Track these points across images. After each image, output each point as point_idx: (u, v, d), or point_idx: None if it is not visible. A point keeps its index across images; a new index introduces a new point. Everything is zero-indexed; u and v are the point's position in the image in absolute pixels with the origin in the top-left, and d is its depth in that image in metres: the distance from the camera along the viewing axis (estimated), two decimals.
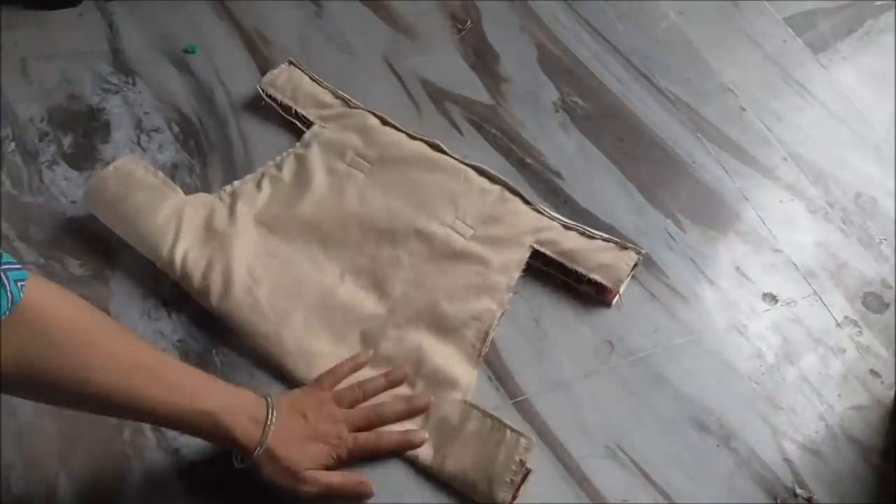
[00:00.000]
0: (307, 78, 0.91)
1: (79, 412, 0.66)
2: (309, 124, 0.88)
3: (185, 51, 0.94)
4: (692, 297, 0.82)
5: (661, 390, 0.75)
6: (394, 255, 0.78)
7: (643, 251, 0.81)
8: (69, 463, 0.65)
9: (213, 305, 0.74)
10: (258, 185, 0.82)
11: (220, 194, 0.81)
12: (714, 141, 0.96)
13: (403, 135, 0.87)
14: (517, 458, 0.67)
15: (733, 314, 0.81)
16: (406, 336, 0.74)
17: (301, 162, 0.84)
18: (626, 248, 0.81)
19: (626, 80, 1.00)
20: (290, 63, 0.92)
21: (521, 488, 0.66)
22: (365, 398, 0.69)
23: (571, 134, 0.94)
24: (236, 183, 0.83)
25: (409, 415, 0.69)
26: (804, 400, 0.76)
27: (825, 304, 0.83)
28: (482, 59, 1.00)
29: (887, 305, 0.84)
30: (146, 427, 0.67)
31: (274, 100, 0.89)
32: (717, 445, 0.73)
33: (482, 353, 0.74)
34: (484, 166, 0.85)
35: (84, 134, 0.86)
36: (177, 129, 0.87)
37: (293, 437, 0.63)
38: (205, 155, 0.86)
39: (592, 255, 0.79)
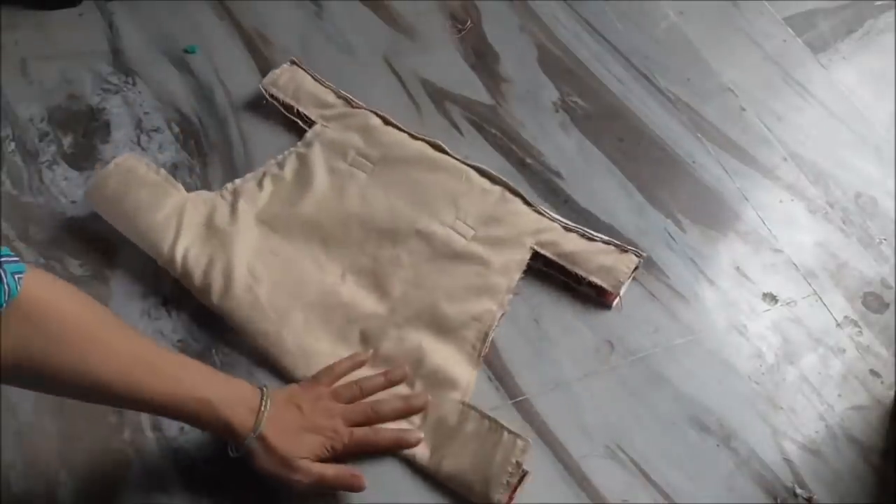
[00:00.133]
0: (309, 77, 0.91)
1: (79, 409, 0.67)
2: (311, 123, 0.88)
3: (185, 51, 0.94)
4: (692, 297, 0.82)
5: (661, 390, 0.75)
6: (394, 254, 0.78)
7: (644, 254, 0.81)
8: (69, 462, 0.65)
9: (213, 303, 0.74)
10: (260, 184, 0.82)
11: (221, 192, 0.81)
12: (714, 141, 0.96)
13: (405, 135, 0.87)
14: (514, 460, 0.67)
15: (733, 314, 0.81)
16: (406, 336, 0.74)
17: (303, 161, 0.84)
18: (626, 250, 0.81)
19: (626, 80, 1.00)
20: (293, 63, 0.92)
21: (518, 490, 0.66)
22: (363, 395, 0.69)
23: (571, 134, 0.94)
24: (238, 181, 0.83)
25: (406, 413, 0.69)
26: (804, 400, 0.76)
27: (825, 304, 0.83)
28: (482, 59, 1.00)
29: (887, 305, 0.84)
30: (146, 427, 0.67)
31: (276, 99, 0.89)
32: (717, 445, 0.73)
33: (482, 354, 0.74)
34: (485, 167, 0.85)
35: (84, 134, 0.86)
36: (177, 129, 0.87)
37: (287, 427, 0.63)
38: (205, 155, 0.86)
39: (593, 257, 0.79)
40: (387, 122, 0.88)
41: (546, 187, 0.88)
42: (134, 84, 0.90)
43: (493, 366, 0.75)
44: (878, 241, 0.90)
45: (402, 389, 0.71)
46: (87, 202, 0.79)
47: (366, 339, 0.74)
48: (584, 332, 0.78)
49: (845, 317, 0.83)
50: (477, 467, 0.67)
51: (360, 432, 0.67)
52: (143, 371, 0.57)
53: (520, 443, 0.67)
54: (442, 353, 0.73)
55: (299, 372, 0.71)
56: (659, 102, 0.99)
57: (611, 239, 0.81)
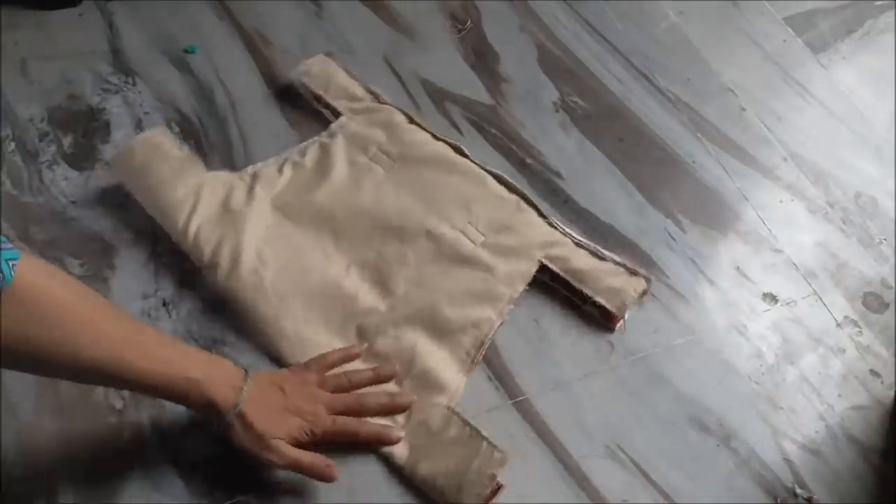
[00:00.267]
0: (342, 71, 0.92)
1: (79, 409, 0.67)
2: (337, 115, 0.89)
3: (185, 51, 0.94)
4: (692, 297, 0.82)
5: (661, 390, 0.75)
6: (401, 252, 0.78)
7: (652, 279, 0.79)
8: (69, 463, 0.65)
9: (219, 282, 0.75)
10: (280, 170, 0.83)
11: (241, 174, 0.82)
12: (714, 141, 0.96)
13: (428, 135, 0.87)
14: (489, 472, 0.66)
15: (733, 314, 0.81)
16: (402, 335, 0.74)
17: (325, 151, 0.85)
18: (635, 273, 0.79)
19: (626, 80, 1.00)
20: (328, 55, 0.93)
21: (491, 502, 0.65)
22: (350, 387, 0.69)
23: (571, 134, 0.94)
24: (259, 164, 0.84)
25: (391, 410, 0.69)
26: (804, 400, 0.76)
27: (825, 304, 0.84)
28: (482, 59, 1.00)
29: (887, 305, 0.84)
30: (146, 427, 0.67)
31: (307, 88, 0.90)
32: (717, 445, 0.73)
33: (475, 361, 0.73)
34: (504, 175, 0.85)
35: (84, 134, 0.86)
36: (177, 129, 0.87)
37: (268, 407, 0.64)
38: (205, 155, 0.86)
39: (601, 277, 0.78)
40: (411, 121, 0.88)
41: (546, 187, 0.88)
42: (134, 84, 0.90)
43: (493, 366, 0.75)
44: (878, 241, 0.90)
45: (389, 387, 0.71)
46: (114, 169, 0.81)
47: (362, 333, 0.74)
48: (584, 331, 0.78)
49: (845, 317, 0.83)
50: (451, 473, 0.66)
51: (342, 421, 0.67)
52: (133, 353, 0.58)
53: (497, 455, 0.67)
54: (435, 356, 0.73)
55: (293, 358, 0.72)
56: (659, 102, 0.99)
57: (622, 260, 0.80)
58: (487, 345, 0.74)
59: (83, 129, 0.86)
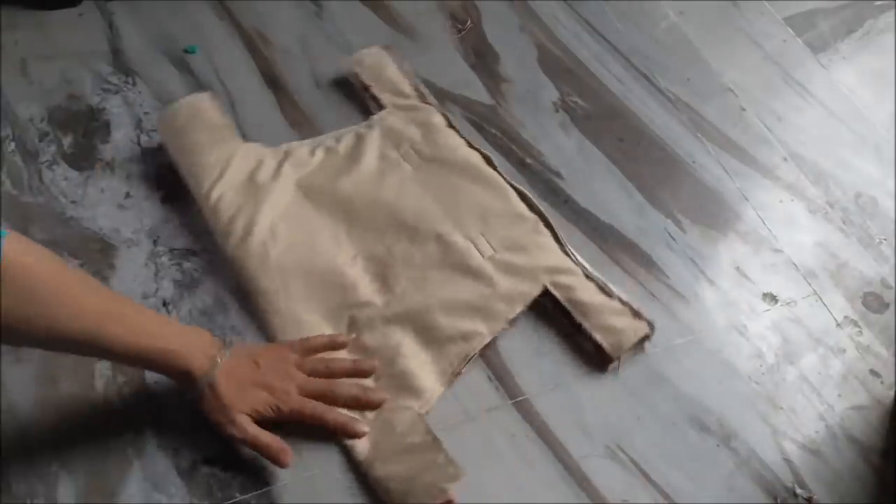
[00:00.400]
0: (394, 65, 0.93)
1: (80, 409, 0.67)
2: (381, 108, 0.90)
3: (185, 51, 0.94)
4: (692, 297, 0.82)
5: (661, 390, 0.75)
6: (410, 252, 0.78)
7: (655, 326, 0.76)
8: (69, 462, 0.65)
9: (229, 250, 0.77)
10: (312, 152, 0.85)
11: (275, 150, 0.84)
12: (714, 141, 0.96)
13: (463, 141, 0.88)
14: (440, 485, 0.65)
15: (733, 314, 0.81)
16: (391, 333, 0.73)
17: (359, 140, 0.86)
18: (639, 317, 0.76)
19: (626, 80, 1.00)
20: (385, 48, 0.95)
21: None
22: (327, 373, 0.69)
23: (571, 134, 0.94)
24: (294, 143, 0.86)
25: (361, 404, 0.69)
26: (804, 400, 0.76)
27: (825, 304, 0.84)
28: (482, 59, 1.00)
29: (887, 305, 0.84)
30: (146, 427, 0.67)
31: (357, 77, 0.92)
32: (717, 445, 0.73)
33: (456, 373, 0.73)
34: (528, 193, 0.84)
35: (84, 134, 0.86)
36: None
37: (239, 379, 0.65)
38: None
39: (604, 314, 0.76)
40: (449, 125, 0.89)
41: (546, 187, 0.88)
42: (134, 84, 0.90)
43: (493, 366, 0.75)
44: (878, 241, 0.90)
45: (366, 382, 0.71)
46: (159, 128, 0.84)
47: (353, 324, 0.74)
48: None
49: (845, 317, 0.83)
50: (403, 479, 0.65)
51: (311, 404, 0.67)
52: (112, 324, 0.59)
53: (452, 470, 0.65)
54: (418, 359, 0.72)
55: (282, 335, 0.73)
56: (659, 102, 0.99)
57: (628, 301, 0.77)
58: (472, 359, 0.73)
59: (83, 129, 0.86)
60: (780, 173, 0.94)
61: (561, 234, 0.81)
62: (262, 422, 0.65)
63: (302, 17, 1.01)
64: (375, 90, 0.91)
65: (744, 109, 1.00)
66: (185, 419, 0.68)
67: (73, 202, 0.80)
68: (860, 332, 0.82)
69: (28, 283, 0.54)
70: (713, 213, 0.89)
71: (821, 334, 0.81)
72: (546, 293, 0.77)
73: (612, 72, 1.01)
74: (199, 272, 0.77)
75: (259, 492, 0.65)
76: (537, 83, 0.98)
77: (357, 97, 0.93)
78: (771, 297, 0.83)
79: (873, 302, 0.85)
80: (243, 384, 0.65)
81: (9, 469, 0.64)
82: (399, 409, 0.69)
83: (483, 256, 0.78)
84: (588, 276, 0.79)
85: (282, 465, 0.64)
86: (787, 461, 0.73)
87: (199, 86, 0.91)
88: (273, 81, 0.93)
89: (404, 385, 0.71)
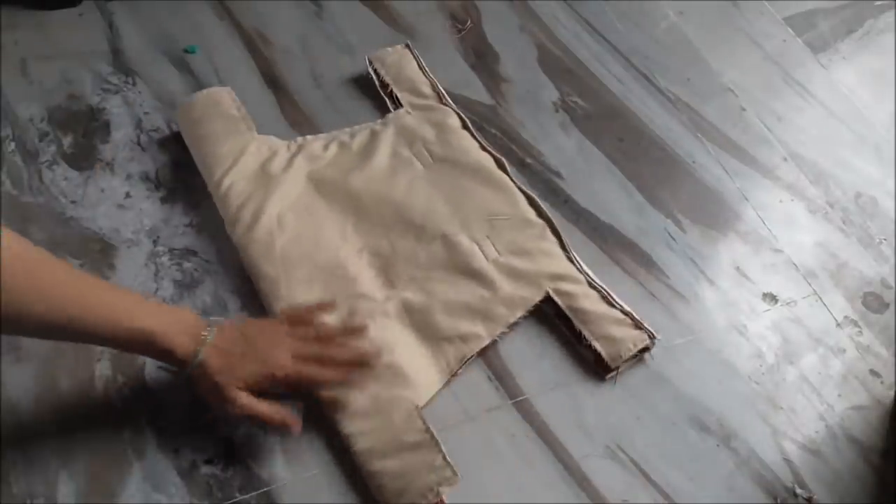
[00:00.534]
0: (415, 64, 0.94)
1: (80, 410, 0.67)
2: (399, 107, 0.91)
3: (185, 51, 0.94)
4: (692, 297, 0.82)
5: (661, 390, 0.75)
6: (414, 250, 0.78)
7: (658, 336, 0.76)
8: (69, 462, 0.65)
9: (236, 237, 0.78)
10: (325, 146, 0.86)
11: (288, 143, 0.85)
12: (714, 141, 0.96)
13: (476, 144, 0.88)
14: (435, 488, 0.64)
15: (733, 314, 0.81)
16: (390, 326, 0.73)
17: (373, 137, 0.87)
18: (640, 327, 0.76)
19: (626, 80, 1.00)
20: (406, 46, 0.95)
21: None
22: (316, 336, 0.68)
23: (571, 134, 0.94)
24: (309, 137, 0.87)
25: (355, 358, 0.68)
26: (804, 400, 0.76)
27: (825, 304, 0.84)
28: (482, 59, 1.00)
29: (887, 305, 0.84)
30: (146, 427, 0.67)
31: (377, 74, 0.92)
32: (717, 445, 0.73)
33: (454, 374, 0.72)
34: (537, 199, 0.84)
35: (84, 134, 0.86)
36: (177, 129, 0.87)
37: (228, 354, 0.63)
38: None
39: (604, 323, 0.76)
40: (464, 126, 0.89)
41: (546, 187, 0.88)
42: (134, 84, 0.90)
43: (493, 366, 0.75)
44: (878, 241, 0.90)
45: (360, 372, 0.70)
46: (178, 119, 0.85)
47: (352, 315, 0.74)
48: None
49: (845, 317, 0.83)
50: (398, 477, 0.65)
51: (305, 367, 0.66)
52: (88, 305, 0.59)
53: (449, 473, 0.65)
54: (416, 352, 0.72)
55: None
56: (659, 102, 0.99)
57: (630, 311, 0.77)
58: (470, 361, 0.73)
59: (83, 129, 0.86)
60: (780, 173, 0.94)
61: (567, 241, 0.81)
62: (264, 395, 0.64)
63: (302, 17, 1.01)
64: (395, 88, 0.91)
65: (744, 109, 1.00)
66: (185, 419, 0.68)
67: (73, 202, 0.80)
68: (860, 332, 0.82)
69: (4, 269, 0.54)
70: (713, 213, 0.89)
71: (821, 334, 0.81)
72: (548, 299, 0.77)
73: (612, 72, 1.01)
74: (199, 272, 0.77)
75: (259, 492, 0.65)
76: (537, 83, 0.98)
77: (358, 97, 0.93)
78: (771, 297, 0.83)
79: (873, 302, 0.85)
80: (234, 359, 0.63)
81: (9, 469, 0.64)
82: (396, 400, 0.69)
83: (487, 259, 0.78)
84: (591, 285, 0.78)
85: (291, 432, 0.65)
86: (787, 461, 0.73)
87: (199, 86, 0.91)
88: (273, 81, 0.93)
89: (400, 375, 0.70)
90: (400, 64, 0.94)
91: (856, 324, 0.83)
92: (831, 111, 1.02)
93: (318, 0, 1.02)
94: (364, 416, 0.68)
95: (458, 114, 0.90)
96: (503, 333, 0.75)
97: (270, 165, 0.82)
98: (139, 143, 0.86)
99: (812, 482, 0.72)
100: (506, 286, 0.77)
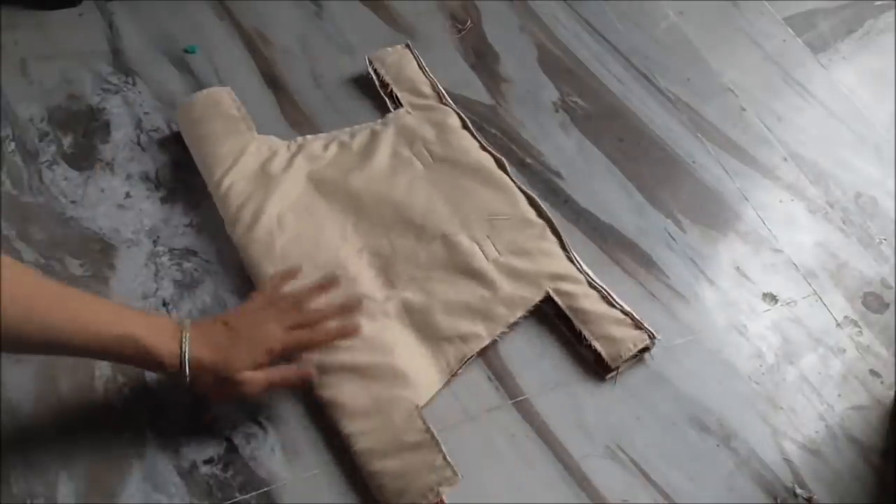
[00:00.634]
0: (415, 64, 0.94)
1: (80, 410, 0.67)
2: (399, 106, 0.91)
3: (185, 51, 0.94)
4: (692, 297, 0.82)
5: (661, 390, 0.75)
6: (414, 250, 0.78)
7: (658, 336, 0.76)
8: (69, 463, 0.65)
9: (236, 237, 0.78)
10: (326, 146, 0.86)
11: (289, 143, 0.85)
12: (714, 141, 0.96)
13: (476, 144, 0.88)
14: (435, 488, 0.64)
15: (733, 314, 0.81)
16: (390, 326, 0.73)
17: (373, 137, 0.87)
18: (640, 327, 0.76)
19: (626, 80, 1.00)
20: (407, 46, 0.95)
21: None
22: (295, 301, 0.69)
23: (571, 134, 0.94)
24: (309, 137, 0.86)
25: (338, 313, 0.69)
26: (804, 400, 0.76)
27: (825, 304, 0.84)
28: (482, 59, 1.00)
29: (887, 305, 0.84)
30: (146, 427, 0.67)
31: (377, 74, 0.92)
32: (717, 445, 0.73)
33: (454, 374, 0.72)
34: (537, 198, 0.84)
35: (84, 134, 0.86)
36: (177, 129, 0.87)
37: (217, 344, 0.63)
38: None
39: (604, 323, 0.76)
40: (464, 126, 0.89)
41: (546, 187, 0.88)
42: (134, 84, 0.90)
43: (493, 366, 0.75)
44: (878, 241, 0.90)
45: (359, 368, 0.70)
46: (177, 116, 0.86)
47: (352, 315, 0.73)
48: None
49: (845, 317, 0.83)
50: (398, 477, 0.65)
51: (296, 333, 0.66)
52: (66, 315, 0.57)
53: (449, 473, 0.65)
54: (416, 352, 0.72)
55: None
56: (659, 102, 0.99)
57: (630, 311, 0.76)
58: (470, 361, 0.73)
59: (83, 129, 0.86)
60: (780, 173, 0.94)
61: (567, 241, 0.81)
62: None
63: (302, 17, 1.00)
64: (395, 88, 0.91)
65: (744, 109, 1.00)
66: (185, 419, 0.68)
67: (73, 202, 0.80)
68: (860, 332, 0.82)
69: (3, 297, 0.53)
70: (713, 213, 0.89)
71: (821, 334, 0.81)
72: (548, 299, 0.77)
73: (612, 72, 1.01)
74: (199, 272, 0.77)
75: (259, 492, 0.65)
76: (537, 83, 0.98)
77: (358, 97, 0.93)
78: (771, 297, 0.83)
79: (873, 302, 0.85)
80: (226, 350, 0.63)
81: (9, 469, 0.64)
82: (396, 400, 0.69)
83: (487, 259, 0.78)
84: (591, 285, 0.78)
85: (308, 381, 0.67)
86: (787, 461, 0.73)
87: (199, 86, 0.91)
88: (273, 81, 0.93)
89: (400, 375, 0.70)
90: (400, 64, 0.94)
91: (856, 324, 0.83)
92: (831, 111, 1.02)
93: (318, 0, 1.02)
94: (364, 416, 0.68)
95: (458, 114, 0.90)
96: (503, 333, 0.75)
97: (270, 165, 0.82)
98: (139, 143, 0.86)
99: (812, 482, 0.72)
100: (506, 286, 0.77)
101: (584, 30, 1.05)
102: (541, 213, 0.83)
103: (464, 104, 0.94)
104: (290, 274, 0.72)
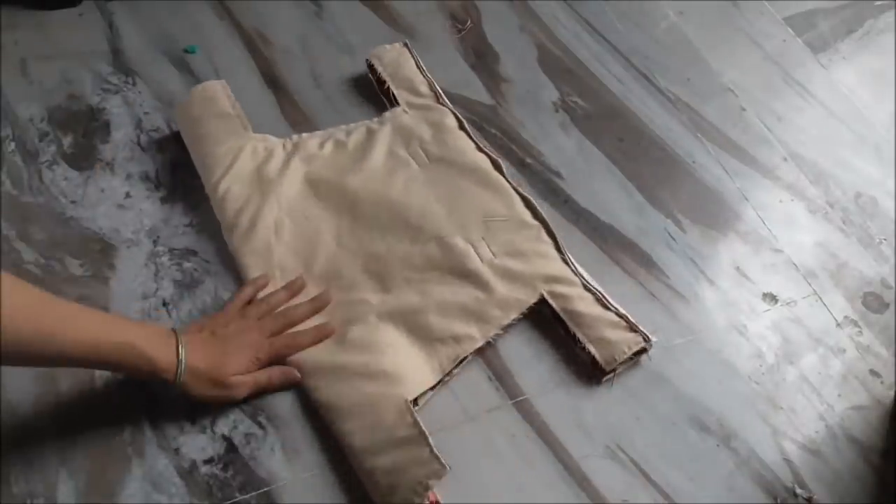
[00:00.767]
0: (413, 63, 0.94)
1: (80, 410, 0.67)
2: (396, 105, 0.91)
3: (185, 51, 0.94)
4: (692, 297, 0.82)
5: (660, 390, 0.75)
6: (409, 252, 0.78)
7: (653, 339, 0.75)
8: (69, 462, 0.65)
9: (233, 243, 0.78)
10: (321, 145, 0.86)
11: (284, 141, 0.85)
12: (714, 141, 0.96)
13: (473, 144, 0.88)
14: (424, 482, 0.64)
15: (733, 314, 0.81)
16: (383, 328, 0.73)
17: (370, 136, 0.87)
18: (635, 330, 0.75)
19: (626, 80, 1.00)
20: (405, 45, 0.95)
21: None
22: (270, 309, 0.73)
23: (571, 134, 0.94)
24: (305, 135, 0.86)
25: (313, 309, 0.74)
26: (804, 400, 0.76)
27: (825, 304, 0.84)
28: (482, 59, 1.00)
29: (887, 305, 0.84)
30: (146, 426, 0.67)
31: (374, 70, 0.92)
32: (717, 445, 0.73)
33: (449, 374, 0.72)
34: (533, 200, 0.83)
35: (84, 134, 0.86)
36: (177, 129, 0.87)
37: (209, 352, 0.66)
38: None
39: (599, 325, 0.75)
40: (461, 127, 0.89)
41: (546, 187, 0.88)
42: (134, 84, 0.90)
43: (493, 366, 0.75)
44: (878, 241, 0.90)
45: (351, 370, 0.71)
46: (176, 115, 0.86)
47: (347, 321, 0.74)
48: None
49: (845, 317, 0.83)
50: (389, 473, 0.65)
51: (280, 339, 0.71)
52: (57, 323, 0.58)
53: (436, 466, 0.65)
54: (409, 352, 0.72)
55: None
56: (659, 102, 0.99)
57: (625, 314, 0.76)
58: (464, 362, 0.73)
59: (83, 129, 0.86)
60: (780, 173, 0.94)
61: (563, 243, 0.81)
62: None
63: (302, 17, 1.01)
64: (392, 86, 0.91)
65: (744, 109, 1.00)
66: (185, 419, 0.68)
67: (73, 202, 0.80)
68: (860, 332, 0.82)
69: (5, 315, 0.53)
70: (713, 213, 0.89)
71: (821, 334, 0.81)
72: (543, 302, 0.77)
73: (612, 72, 1.01)
74: (199, 272, 0.77)
75: (259, 492, 0.65)
76: (537, 83, 0.98)
77: (357, 97, 0.93)
78: (771, 297, 0.83)
79: (873, 302, 0.85)
80: (218, 358, 0.67)
81: (9, 469, 0.64)
82: (388, 397, 0.69)
83: (482, 260, 0.78)
84: (586, 287, 0.78)
85: (295, 381, 0.70)
86: (787, 461, 0.73)
87: None
88: (273, 81, 0.93)
89: (392, 375, 0.70)
90: (398, 62, 0.94)
91: (856, 324, 0.83)
92: (831, 111, 1.02)
93: (318, 0, 1.02)
94: (356, 415, 0.68)
95: (454, 114, 0.90)
96: (497, 335, 0.75)
97: (267, 167, 0.82)
98: (139, 143, 0.86)
99: (812, 482, 0.72)
100: (500, 288, 0.77)
101: (584, 30, 1.05)
102: (536, 215, 0.83)
103: (464, 104, 0.94)
104: (261, 284, 0.75)
